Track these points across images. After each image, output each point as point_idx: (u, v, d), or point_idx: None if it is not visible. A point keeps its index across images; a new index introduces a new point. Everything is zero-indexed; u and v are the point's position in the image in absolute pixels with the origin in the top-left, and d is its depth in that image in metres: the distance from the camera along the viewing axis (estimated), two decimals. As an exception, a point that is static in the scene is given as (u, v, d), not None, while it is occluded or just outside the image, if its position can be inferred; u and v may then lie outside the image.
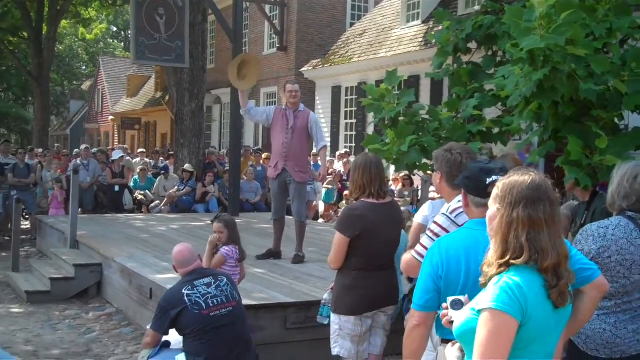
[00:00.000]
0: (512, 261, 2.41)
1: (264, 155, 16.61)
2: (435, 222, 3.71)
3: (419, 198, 14.15)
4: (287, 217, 8.81)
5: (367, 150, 6.31)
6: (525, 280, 2.38)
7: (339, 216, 4.78)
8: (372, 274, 4.50)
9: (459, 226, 3.57)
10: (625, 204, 3.60)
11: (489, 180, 3.07)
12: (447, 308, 2.62)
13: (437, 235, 3.62)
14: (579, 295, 2.90)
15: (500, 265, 2.43)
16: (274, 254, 8.57)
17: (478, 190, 3.10)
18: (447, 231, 3.60)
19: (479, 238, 2.95)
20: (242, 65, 8.46)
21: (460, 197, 3.72)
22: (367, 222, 4.47)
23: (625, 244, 3.50)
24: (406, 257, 3.77)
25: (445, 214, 3.71)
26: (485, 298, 2.38)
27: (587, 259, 3.08)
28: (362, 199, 4.56)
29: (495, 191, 2.56)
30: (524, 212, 2.43)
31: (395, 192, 15.09)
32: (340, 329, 4.55)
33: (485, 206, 3.06)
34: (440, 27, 6.95)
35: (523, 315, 2.35)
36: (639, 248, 3.50)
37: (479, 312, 2.37)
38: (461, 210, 3.63)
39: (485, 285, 2.44)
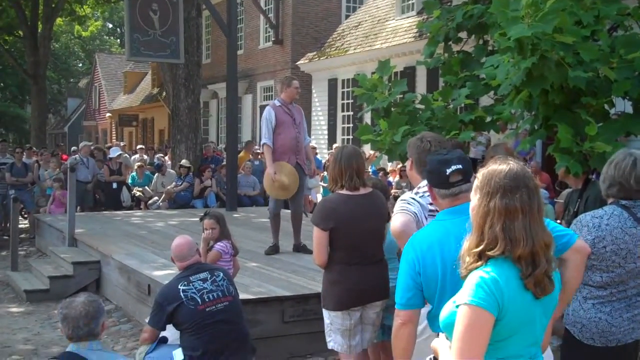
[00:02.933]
0: (488, 252, 2.42)
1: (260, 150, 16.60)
2: (403, 200, 3.85)
3: (416, 189, 14.15)
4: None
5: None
6: (501, 274, 2.39)
7: (314, 210, 4.78)
8: (356, 267, 4.48)
9: (426, 204, 3.74)
10: (603, 188, 3.65)
11: (448, 171, 3.12)
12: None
13: (409, 210, 3.77)
14: (562, 263, 2.94)
15: (475, 255, 2.44)
16: (277, 248, 8.61)
17: (440, 182, 3.15)
18: (418, 204, 3.76)
19: (449, 228, 2.99)
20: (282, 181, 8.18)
21: (422, 183, 3.85)
22: (340, 214, 4.47)
23: (620, 233, 3.50)
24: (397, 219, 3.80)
25: (410, 194, 3.87)
26: (463, 292, 2.39)
27: (562, 227, 3.10)
28: (336, 191, 4.59)
29: (475, 182, 2.56)
30: (500, 201, 2.43)
31: (393, 183, 15.10)
32: (331, 324, 4.58)
33: (449, 196, 3.13)
34: (432, 18, 6.94)
35: (499, 310, 2.36)
36: (634, 237, 3.51)
37: (458, 306, 2.39)
38: (427, 192, 3.75)
39: (465, 277, 2.45)
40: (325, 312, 4.63)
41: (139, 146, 21.70)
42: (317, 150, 17.73)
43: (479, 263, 2.43)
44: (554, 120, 4.81)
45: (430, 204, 3.73)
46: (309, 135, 8.57)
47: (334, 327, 4.56)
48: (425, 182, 3.86)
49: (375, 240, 4.62)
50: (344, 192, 4.55)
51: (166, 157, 18.19)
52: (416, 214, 3.75)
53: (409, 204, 3.79)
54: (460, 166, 3.13)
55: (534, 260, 2.41)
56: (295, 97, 8.32)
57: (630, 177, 3.56)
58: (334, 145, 18.66)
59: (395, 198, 12.98)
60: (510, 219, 2.42)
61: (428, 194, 3.81)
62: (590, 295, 3.59)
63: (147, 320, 5.06)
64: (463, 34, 6.74)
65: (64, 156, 19.38)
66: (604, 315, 3.56)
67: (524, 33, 4.28)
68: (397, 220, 3.75)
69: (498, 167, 2.51)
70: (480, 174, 2.55)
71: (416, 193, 3.82)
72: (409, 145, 3.93)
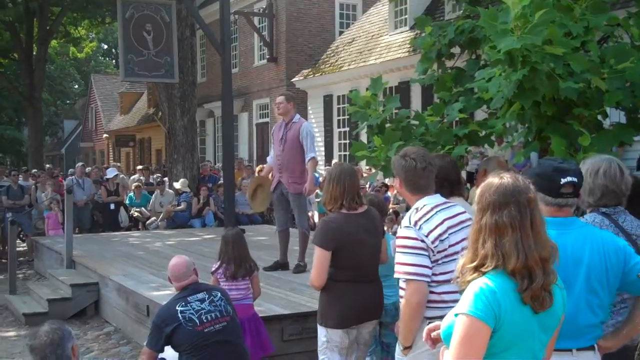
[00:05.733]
0: (481, 269, 2.43)
1: (257, 168, 16.60)
2: (405, 237, 3.61)
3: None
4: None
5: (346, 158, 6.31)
6: (499, 286, 2.40)
7: (316, 230, 4.71)
8: (359, 286, 4.45)
9: (423, 237, 3.54)
10: (592, 199, 3.62)
11: (563, 181, 3.05)
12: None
13: (415, 248, 3.55)
14: (637, 303, 3.06)
15: (471, 270, 2.45)
16: (281, 265, 8.61)
17: (550, 189, 3.07)
18: (420, 240, 3.55)
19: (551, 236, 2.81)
20: (257, 189, 8.87)
21: (419, 204, 3.68)
22: (345, 233, 4.42)
23: None
24: (413, 287, 3.54)
25: (409, 227, 3.62)
26: (462, 302, 2.41)
27: None
28: (338, 211, 4.53)
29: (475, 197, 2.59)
30: (490, 218, 2.45)
31: (391, 198, 15.09)
32: (328, 342, 4.50)
33: (554, 206, 3.07)
34: (425, 34, 6.93)
35: (496, 321, 2.37)
36: None
37: (457, 315, 2.41)
38: (424, 219, 3.59)
39: (464, 290, 2.47)
40: (321, 330, 4.56)
41: (139, 167, 21.62)
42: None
43: (475, 275, 2.45)
44: (547, 132, 4.82)
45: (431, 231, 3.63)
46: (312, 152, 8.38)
47: (331, 344, 4.50)
48: (423, 201, 3.71)
49: (375, 258, 4.60)
50: (345, 211, 4.51)
51: (165, 179, 18.20)
52: (428, 259, 3.58)
53: (417, 254, 3.56)
54: (575, 179, 3.08)
55: (530, 274, 2.42)
56: (278, 112, 8.49)
57: (622, 182, 3.57)
58: (333, 162, 18.68)
59: (396, 213, 12.97)
60: (500, 235, 2.43)
61: (429, 216, 3.61)
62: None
63: (145, 343, 5.04)
64: (456, 50, 6.75)
65: (60, 179, 19.37)
66: None
67: (514, 45, 4.28)
68: (415, 296, 3.53)
69: (490, 181, 2.53)
70: (479, 188, 2.58)
71: (415, 225, 3.61)
72: (393, 164, 3.85)
